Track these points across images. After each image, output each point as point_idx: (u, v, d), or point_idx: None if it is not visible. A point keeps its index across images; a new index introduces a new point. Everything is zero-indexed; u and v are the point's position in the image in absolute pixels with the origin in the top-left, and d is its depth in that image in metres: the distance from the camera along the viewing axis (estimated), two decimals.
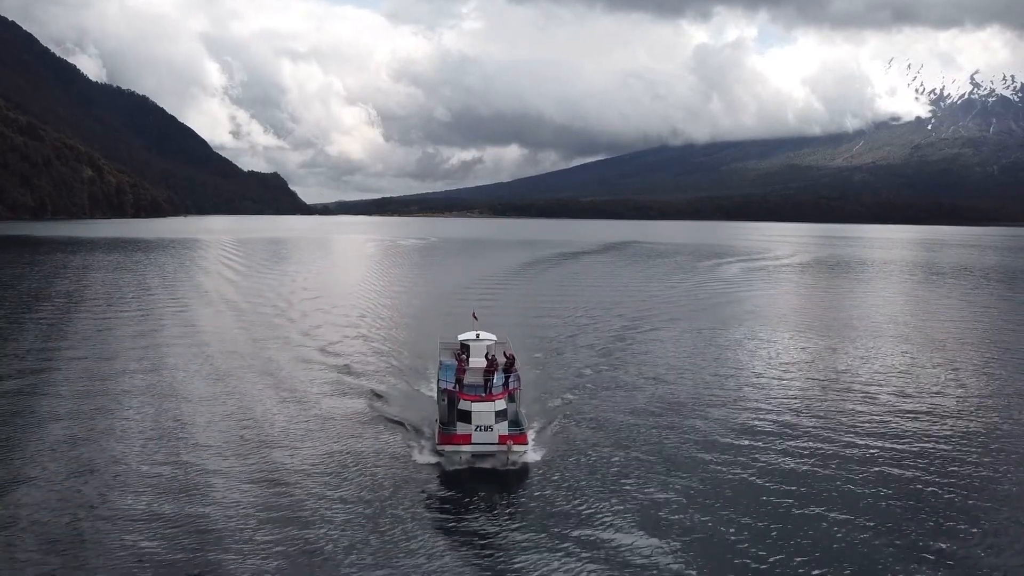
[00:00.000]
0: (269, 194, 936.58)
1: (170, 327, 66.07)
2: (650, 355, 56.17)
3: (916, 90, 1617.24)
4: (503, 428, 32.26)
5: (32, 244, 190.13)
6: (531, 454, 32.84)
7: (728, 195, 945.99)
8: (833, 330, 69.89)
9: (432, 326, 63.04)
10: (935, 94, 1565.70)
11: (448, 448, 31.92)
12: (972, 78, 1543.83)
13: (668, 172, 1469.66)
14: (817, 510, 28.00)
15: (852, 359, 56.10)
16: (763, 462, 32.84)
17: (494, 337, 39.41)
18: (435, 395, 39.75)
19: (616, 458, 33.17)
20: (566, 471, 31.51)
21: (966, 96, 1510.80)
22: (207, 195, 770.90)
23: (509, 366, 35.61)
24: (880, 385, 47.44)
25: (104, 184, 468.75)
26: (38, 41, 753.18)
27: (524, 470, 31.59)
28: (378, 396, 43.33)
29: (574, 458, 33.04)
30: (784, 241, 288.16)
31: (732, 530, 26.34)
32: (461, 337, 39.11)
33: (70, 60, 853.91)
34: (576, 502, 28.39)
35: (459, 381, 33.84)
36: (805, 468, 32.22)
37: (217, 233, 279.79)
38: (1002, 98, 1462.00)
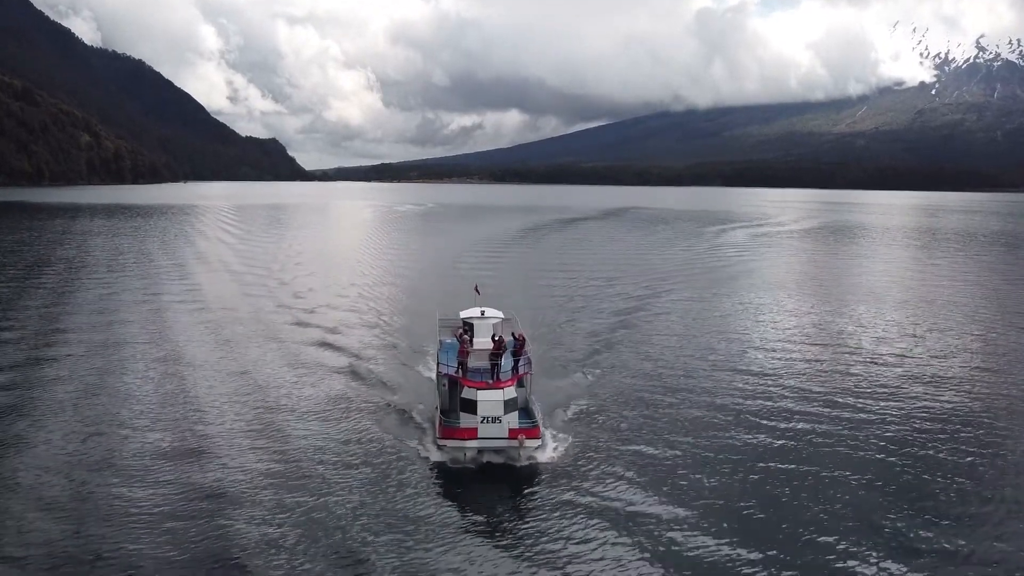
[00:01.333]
0: (268, 160, 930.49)
1: (165, 294, 65.82)
2: (661, 326, 54.14)
3: (921, 54, 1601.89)
4: (513, 420, 28.68)
5: (31, 210, 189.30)
6: (545, 450, 29.18)
7: (729, 161, 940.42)
8: (850, 297, 69.81)
9: (429, 299, 60.89)
10: (940, 58, 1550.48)
11: (451, 443, 28.37)
12: (977, 42, 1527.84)
13: (669, 137, 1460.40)
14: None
15: (867, 326, 56.03)
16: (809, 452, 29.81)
17: (500, 314, 35.56)
18: (434, 379, 35.64)
19: (639, 450, 29.84)
20: (584, 469, 28.00)
21: (971, 60, 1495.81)
22: (205, 161, 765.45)
23: (519, 347, 31.57)
24: (893, 351, 47.49)
25: (102, 150, 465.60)
26: (32, 4, 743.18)
27: (537, 468, 28.11)
28: (371, 377, 39.78)
29: (592, 453, 29.48)
30: (786, 207, 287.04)
31: (777, 528, 23.75)
32: (463, 314, 35.16)
33: (65, 23, 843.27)
34: (598, 507, 24.98)
35: (462, 365, 30.22)
36: (859, 459, 29.42)
37: (215, 199, 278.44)
38: (1007, 62, 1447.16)
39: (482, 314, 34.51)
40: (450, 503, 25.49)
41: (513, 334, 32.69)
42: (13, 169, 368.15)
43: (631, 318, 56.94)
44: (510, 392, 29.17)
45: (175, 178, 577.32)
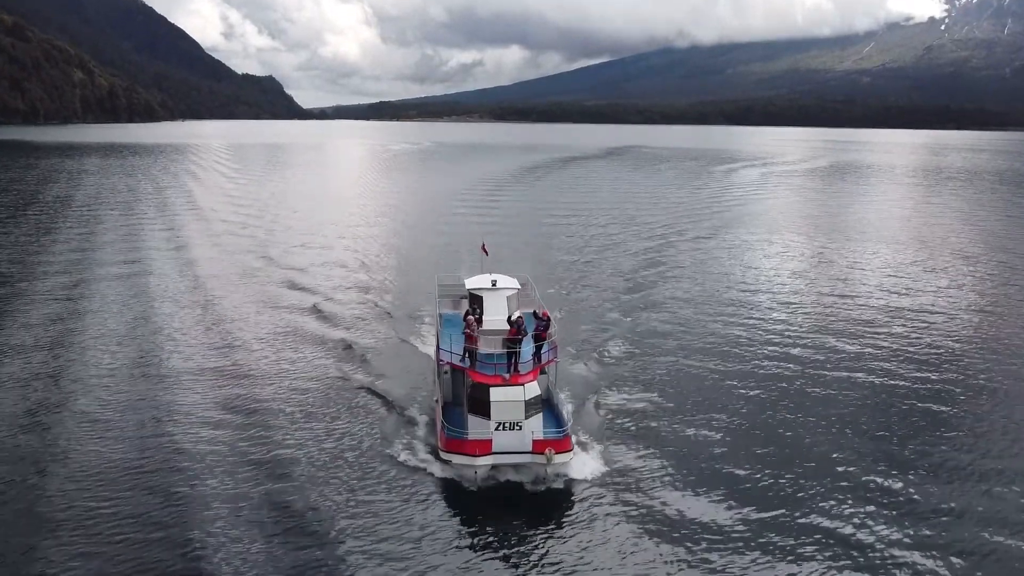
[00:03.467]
0: (264, 98, 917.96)
1: (149, 238, 65.29)
2: (683, 283, 49.13)
3: None
4: (537, 425, 22.76)
5: (27, 150, 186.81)
6: (578, 464, 22.80)
7: (732, 99, 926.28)
8: (869, 240, 69.15)
9: (427, 254, 56.52)
10: None
11: (457, 459, 22.19)
12: None
13: (672, 75, 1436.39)
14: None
15: (886, 268, 55.58)
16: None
17: (516, 283, 28.23)
18: (432, 361, 29.18)
19: (694, 456, 24.36)
20: (630, 490, 22.04)
21: None
22: (201, 99, 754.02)
23: (542, 330, 24.95)
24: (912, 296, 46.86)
25: (95, 88, 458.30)
26: None
27: (568, 489, 22.11)
28: (357, 355, 33.84)
29: (637, 465, 23.59)
30: (790, 147, 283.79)
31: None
32: (470, 284, 27.90)
33: None
34: (650, 544, 19.53)
35: (470, 353, 23.98)
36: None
37: (210, 139, 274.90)
38: None
39: (493, 284, 27.32)
40: (456, 538, 19.76)
41: (535, 313, 26.44)
42: (7, 107, 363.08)
43: (649, 273, 51.85)
44: (533, 389, 23.13)
45: (171, 117, 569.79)
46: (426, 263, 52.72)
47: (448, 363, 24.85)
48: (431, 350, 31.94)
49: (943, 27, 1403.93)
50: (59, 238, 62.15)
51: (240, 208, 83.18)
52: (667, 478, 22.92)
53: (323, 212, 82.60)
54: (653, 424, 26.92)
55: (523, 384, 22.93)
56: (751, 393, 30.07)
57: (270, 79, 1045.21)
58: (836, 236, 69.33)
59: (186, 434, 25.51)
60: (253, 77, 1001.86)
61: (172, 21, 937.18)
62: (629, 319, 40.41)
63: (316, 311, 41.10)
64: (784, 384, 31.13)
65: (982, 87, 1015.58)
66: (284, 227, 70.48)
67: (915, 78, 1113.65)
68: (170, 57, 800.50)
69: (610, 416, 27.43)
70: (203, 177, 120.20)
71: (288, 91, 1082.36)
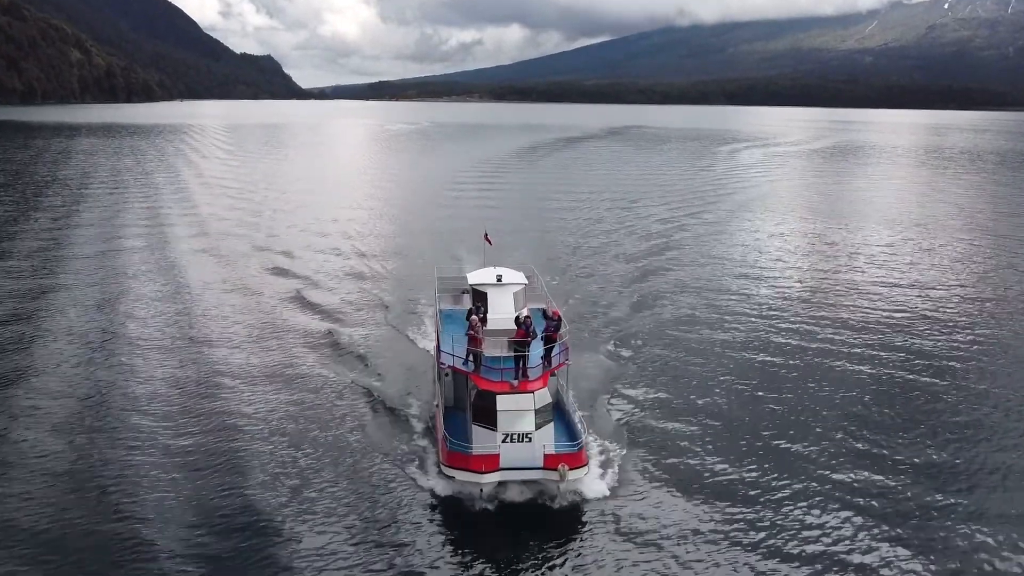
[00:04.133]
0: (263, 78, 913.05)
1: (132, 221, 64.89)
2: (696, 270, 47.42)
3: None
4: (548, 437, 20.98)
5: (26, 130, 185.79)
6: (592, 479, 21.00)
7: (733, 78, 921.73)
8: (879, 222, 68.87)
9: (425, 240, 54.54)
10: None
11: (460, 475, 20.37)
12: None
13: (673, 54, 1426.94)
14: None
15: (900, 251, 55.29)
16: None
17: (522, 277, 26.05)
18: (433, 365, 27.07)
19: (718, 467, 22.38)
20: (651, 509, 20.18)
21: None
22: (199, 79, 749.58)
23: (552, 330, 22.76)
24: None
25: (93, 67, 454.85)
26: None
27: (581, 507, 20.28)
28: (350, 349, 31.98)
29: (658, 478, 21.72)
30: (792, 127, 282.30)
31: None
32: (473, 279, 25.70)
33: None
34: (672, 566, 17.95)
35: (475, 356, 21.97)
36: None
37: (206, 119, 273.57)
38: None
39: (499, 279, 25.17)
40: (459, 566, 17.96)
41: (544, 311, 25.06)
42: (4, 87, 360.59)
43: (657, 260, 50.06)
44: (543, 396, 21.43)
45: (169, 97, 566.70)
46: (424, 249, 51.23)
47: (450, 367, 22.77)
48: (429, 344, 30.42)
49: (946, 6, 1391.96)
50: (49, 216, 61.92)
51: (233, 191, 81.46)
52: (693, 495, 20.79)
53: (317, 195, 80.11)
54: (673, 430, 24.82)
55: (533, 391, 21.03)
56: (776, 392, 28.11)
57: (268, 59, 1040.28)
58: (861, 222, 69.07)
59: (131, 451, 22.89)
60: (251, 56, 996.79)
61: (170, 0, 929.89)
62: (639, 311, 38.51)
63: (306, 302, 38.89)
64: (810, 382, 29.04)
65: (985, 67, 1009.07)
66: (275, 210, 68.34)
67: (918, 57, 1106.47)
68: (168, 36, 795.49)
69: (624, 422, 25.28)
70: (197, 161, 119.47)
71: (287, 70, 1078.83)
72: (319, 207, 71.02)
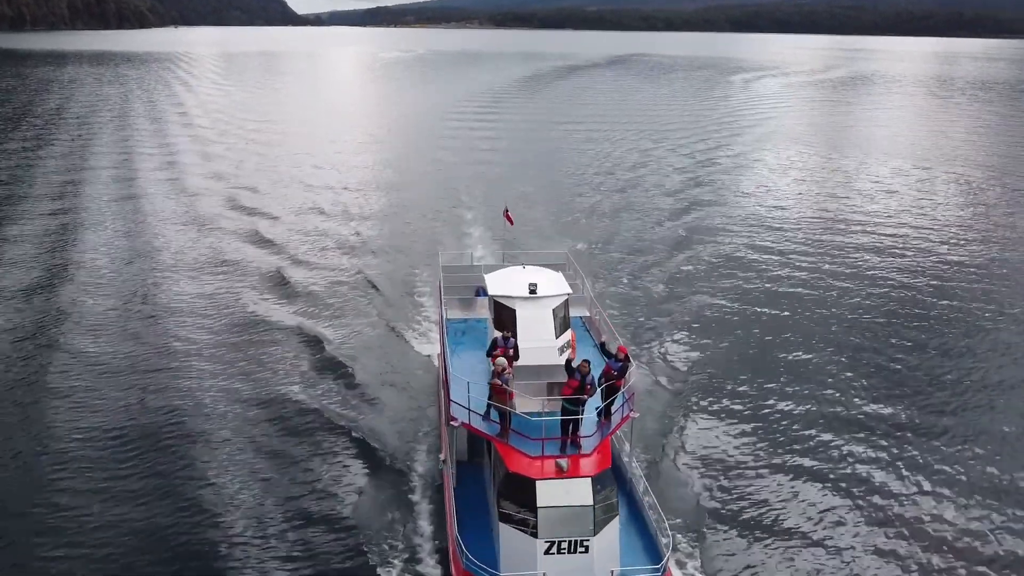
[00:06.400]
0: (258, 3, 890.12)
1: (105, 152, 63.41)
2: (742, 237, 39.78)
3: None
4: (612, 545, 14.01)
5: (15, 58, 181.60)
6: None
7: (739, 4, 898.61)
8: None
9: (424, 200, 44.49)
10: None
11: None
12: None
13: None
14: None
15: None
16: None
17: (565, 285, 17.86)
18: (436, 398, 20.43)
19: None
20: None
21: None
22: (193, 4, 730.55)
23: (615, 374, 15.31)
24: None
25: None
26: None
27: None
28: (328, 360, 24.50)
29: None
30: (802, 56, 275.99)
31: None
32: (495, 288, 17.67)
33: None
34: None
35: (501, 415, 14.85)
36: None
37: (198, 46, 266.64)
38: None
39: (532, 292, 17.07)
40: None
41: (603, 346, 17.49)
42: None
43: (693, 235, 40.08)
44: (606, 480, 14.16)
45: (161, 23, 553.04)
46: (424, 211, 42.61)
47: (463, 424, 15.36)
48: (432, 351, 22.60)
49: None
50: (46, 153, 60.67)
51: (212, 132, 73.15)
52: None
53: (306, 140, 69.38)
54: (768, 495, 17.43)
55: (589, 477, 13.68)
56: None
57: None
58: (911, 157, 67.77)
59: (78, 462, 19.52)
60: None
61: None
62: (689, 299, 29.57)
63: (288, 290, 31.23)
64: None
65: None
66: (259, 174, 54.97)
67: None
68: None
69: (703, 484, 17.61)
70: (185, 97, 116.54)
71: None
72: (310, 164, 58.94)
